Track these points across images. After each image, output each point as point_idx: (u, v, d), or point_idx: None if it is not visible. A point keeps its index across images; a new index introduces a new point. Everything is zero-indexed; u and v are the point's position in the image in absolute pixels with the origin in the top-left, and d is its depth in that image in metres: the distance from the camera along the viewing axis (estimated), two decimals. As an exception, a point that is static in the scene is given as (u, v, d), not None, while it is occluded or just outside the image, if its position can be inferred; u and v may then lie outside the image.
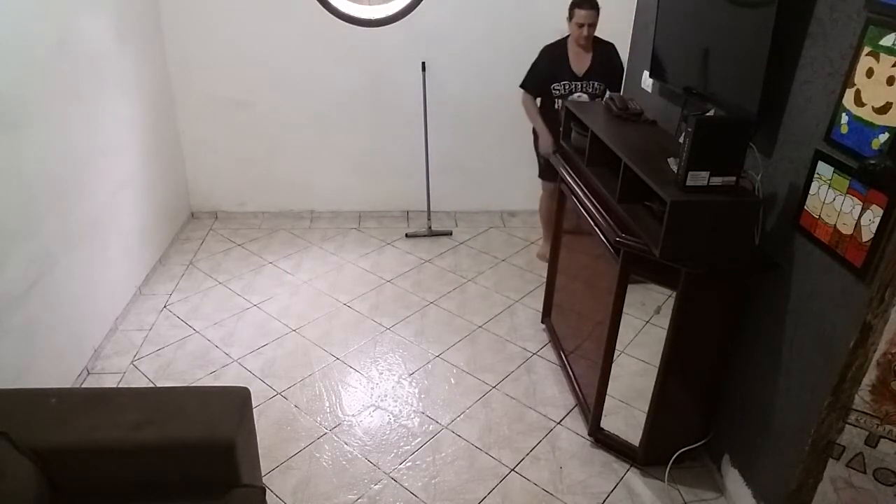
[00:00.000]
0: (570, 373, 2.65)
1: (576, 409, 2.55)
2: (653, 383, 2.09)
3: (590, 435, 2.39)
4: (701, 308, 1.97)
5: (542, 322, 3.05)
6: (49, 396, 1.66)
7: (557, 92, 3.22)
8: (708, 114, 2.17)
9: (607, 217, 2.15)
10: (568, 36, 3.20)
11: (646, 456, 2.24)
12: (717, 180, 1.82)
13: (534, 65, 3.22)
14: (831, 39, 1.66)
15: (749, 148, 1.83)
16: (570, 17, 3.10)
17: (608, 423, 2.32)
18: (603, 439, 2.36)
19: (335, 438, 2.38)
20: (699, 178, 1.81)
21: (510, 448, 2.36)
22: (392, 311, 3.21)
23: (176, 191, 3.88)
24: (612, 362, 2.21)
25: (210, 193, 4.11)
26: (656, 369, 2.07)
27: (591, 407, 2.36)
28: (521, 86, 3.27)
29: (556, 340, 2.89)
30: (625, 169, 2.06)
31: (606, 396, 2.28)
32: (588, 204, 2.30)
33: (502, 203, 4.24)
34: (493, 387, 2.66)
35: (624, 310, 2.11)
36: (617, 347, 2.18)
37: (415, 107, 3.84)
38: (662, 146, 2.18)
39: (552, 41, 3.22)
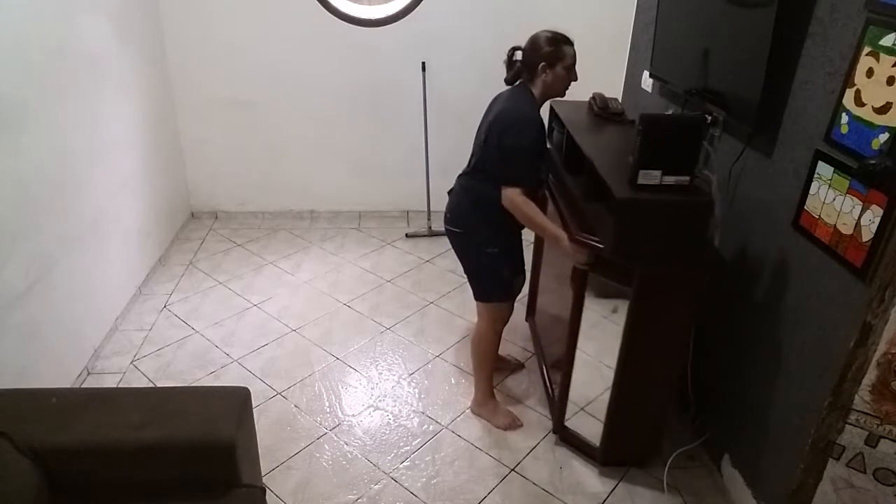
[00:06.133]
0: (545, 370, 2.66)
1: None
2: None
3: (554, 432, 2.41)
4: (657, 309, 1.95)
5: (526, 321, 3.06)
6: (49, 396, 1.66)
7: (544, 174, 2.29)
8: (669, 112, 2.16)
9: (573, 215, 2.15)
10: (530, 92, 2.12)
11: (605, 456, 2.25)
12: (669, 179, 1.81)
13: (522, 147, 2.05)
14: (831, 39, 1.66)
15: (705, 147, 1.83)
16: (556, 61, 2.06)
17: (582, 422, 2.31)
18: (567, 437, 2.37)
19: (335, 438, 2.38)
20: (651, 176, 1.81)
21: (510, 448, 2.36)
22: (392, 311, 3.21)
23: (176, 191, 3.88)
24: (573, 360, 2.20)
25: (210, 193, 4.11)
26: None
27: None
28: (514, 181, 2.07)
29: (536, 339, 2.89)
30: (591, 167, 2.06)
31: (607, 398, 2.27)
32: (561, 202, 2.31)
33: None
34: (494, 387, 2.66)
35: (605, 315, 2.10)
36: (592, 351, 2.17)
37: (415, 107, 3.84)
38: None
39: (523, 103, 2.10)
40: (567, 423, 2.35)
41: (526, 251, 2.54)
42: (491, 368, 2.50)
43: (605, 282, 2.05)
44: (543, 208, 2.25)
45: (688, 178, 1.82)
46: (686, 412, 2.41)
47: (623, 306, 1.97)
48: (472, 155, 2.28)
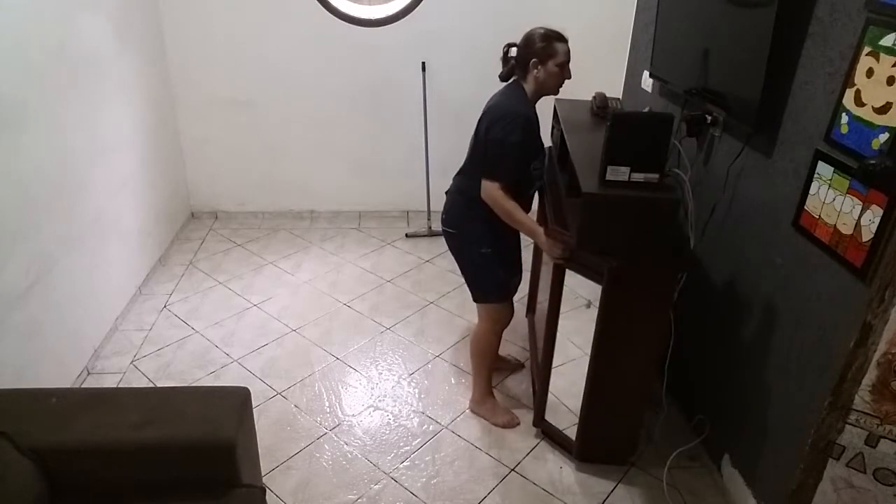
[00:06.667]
0: (534, 366, 2.66)
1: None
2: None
3: (534, 425, 2.41)
4: (629, 305, 1.95)
5: (526, 317, 3.07)
6: (49, 396, 1.66)
7: (538, 171, 2.23)
8: (642, 110, 2.17)
9: (555, 210, 2.15)
10: (523, 89, 2.13)
11: (580, 452, 2.25)
12: (638, 177, 1.83)
13: (508, 143, 2.03)
14: (831, 39, 1.66)
15: (676, 145, 1.84)
16: (547, 58, 2.06)
17: (564, 418, 2.32)
18: (546, 431, 2.38)
19: (335, 438, 2.38)
20: (619, 172, 1.83)
21: (510, 448, 2.36)
22: (392, 311, 3.21)
23: (176, 191, 3.88)
24: (552, 352, 2.20)
25: (210, 193, 4.11)
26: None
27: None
28: (494, 176, 2.06)
29: (532, 336, 2.90)
30: (573, 164, 2.08)
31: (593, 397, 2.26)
32: (549, 199, 2.32)
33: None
34: (494, 386, 2.66)
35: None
36: (580, 346, 2.17)
37: (415, 107, 3.84)
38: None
39: (514, 99, 2.12)
40: (568, 424, 2.34)
41: (526, 251, 2.54)
42: (490, 368, 2.50)
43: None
44: (528, 207, 2.21)
45: (657, 175, 1.83)
46: (656, 414, 2.38)
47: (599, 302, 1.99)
48: (467, 155, 2.29)
